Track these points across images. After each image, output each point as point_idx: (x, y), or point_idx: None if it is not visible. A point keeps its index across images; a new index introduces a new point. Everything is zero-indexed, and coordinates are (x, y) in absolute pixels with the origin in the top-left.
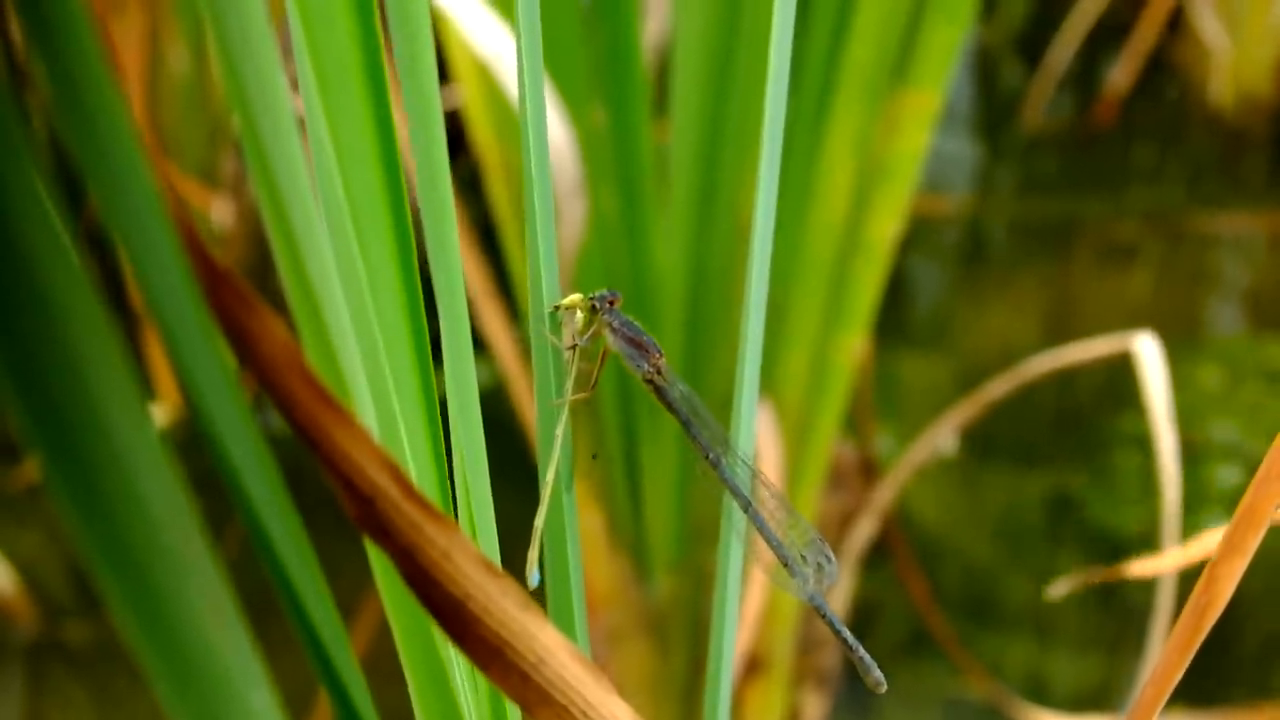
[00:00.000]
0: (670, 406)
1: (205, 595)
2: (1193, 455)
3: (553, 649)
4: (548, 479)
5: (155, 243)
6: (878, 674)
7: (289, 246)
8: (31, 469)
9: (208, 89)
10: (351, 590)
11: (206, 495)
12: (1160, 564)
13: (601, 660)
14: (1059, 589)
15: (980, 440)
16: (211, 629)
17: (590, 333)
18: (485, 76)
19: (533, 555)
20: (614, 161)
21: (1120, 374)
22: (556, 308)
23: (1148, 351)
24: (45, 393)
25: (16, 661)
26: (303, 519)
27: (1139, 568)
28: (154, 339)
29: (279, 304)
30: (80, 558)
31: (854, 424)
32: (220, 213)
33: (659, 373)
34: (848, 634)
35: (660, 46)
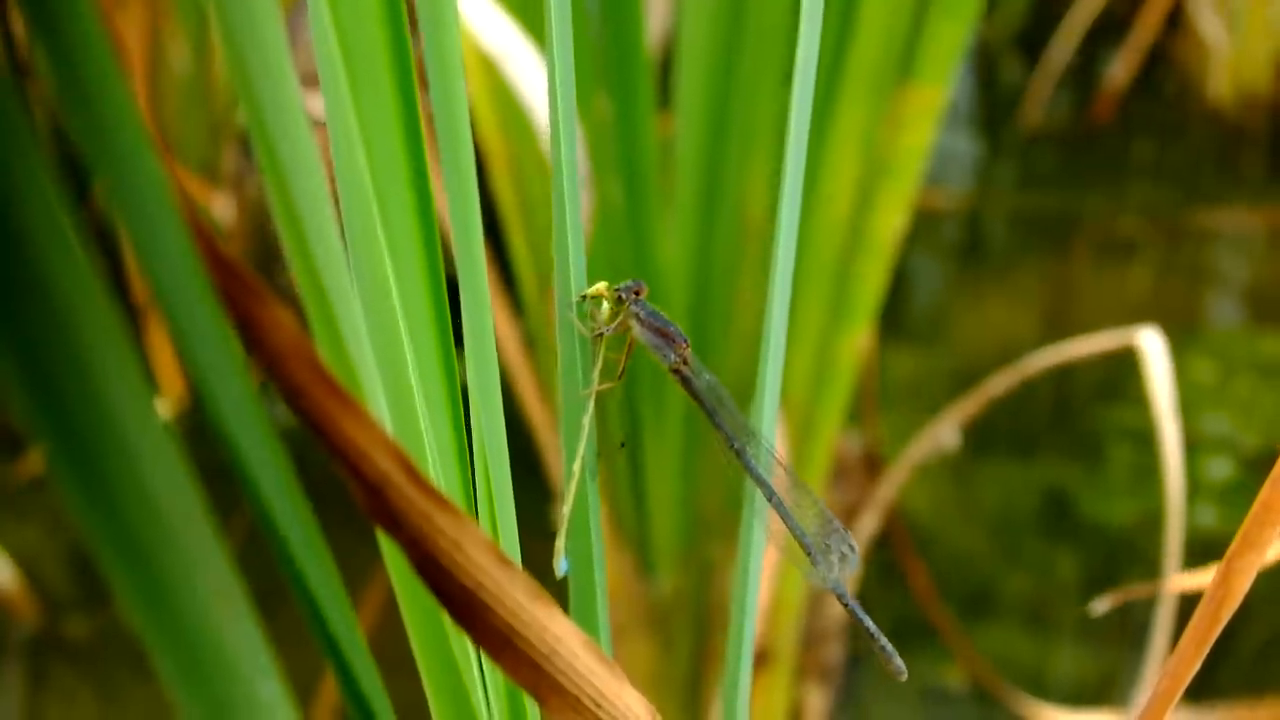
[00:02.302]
0: (696, 396)
1: (213, 584)
2: (1185, 448)
3: (564, 639)
4: (574, 468)
5: (162, 232)
6: (899, 662)
7: (297, 237)
8: (31, 463)
9: (209, 85)
10: (357, 579)
11: (212, 485)
12: (1196, 580)
13: None
14: (1102, 605)
15: (975, 433)
16: (219, 618)
17: (616, 323)
18: (490, 71)
19: (560, 544)
20: (619, 154)
21: (1114, 367)
22: (583, 297)
23: (1151, 346)
24: (51, 382)
25: (17, 656)
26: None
27: (1179, 582)
28: (157, 333)
29: (283, 300)
30: (86, 547)
31: (858, 419)
32: (221, 208)
33: (685, 363)
34: (870, 622)
35: (665, 38)
